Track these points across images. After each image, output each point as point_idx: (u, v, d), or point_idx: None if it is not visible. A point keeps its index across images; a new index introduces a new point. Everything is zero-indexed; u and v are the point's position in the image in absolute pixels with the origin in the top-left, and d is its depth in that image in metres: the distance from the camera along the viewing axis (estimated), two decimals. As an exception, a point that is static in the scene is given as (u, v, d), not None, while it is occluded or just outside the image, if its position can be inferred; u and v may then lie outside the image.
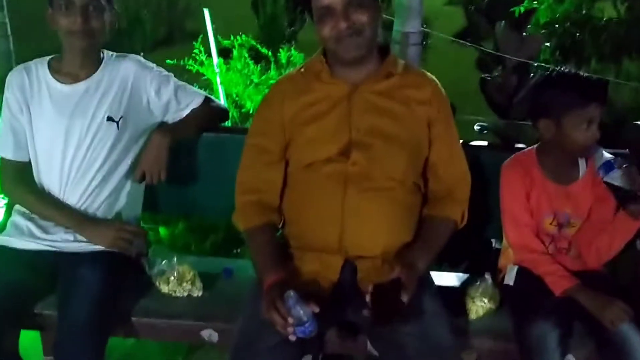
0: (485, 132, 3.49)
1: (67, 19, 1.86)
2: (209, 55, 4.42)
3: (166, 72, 2.08)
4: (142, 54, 2.04)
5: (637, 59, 4.19)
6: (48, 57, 2.00)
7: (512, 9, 4.63)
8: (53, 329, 1.77)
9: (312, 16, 1.77)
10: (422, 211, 1.82)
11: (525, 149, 2.02)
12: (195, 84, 4.49)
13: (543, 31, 4.51)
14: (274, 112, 1.82)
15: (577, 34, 4.44)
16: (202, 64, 4.33)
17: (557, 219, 1.92)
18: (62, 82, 1.95)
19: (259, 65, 4.41)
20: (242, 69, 4.33)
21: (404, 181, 1.77)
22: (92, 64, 1.96)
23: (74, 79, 1.95)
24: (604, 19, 4.66)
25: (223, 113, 2.21)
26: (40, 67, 1.97)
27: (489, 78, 3.76)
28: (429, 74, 1.88)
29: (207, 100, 2.12)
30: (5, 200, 2.62)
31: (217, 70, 4.34)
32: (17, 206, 2.00)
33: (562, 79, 1.88)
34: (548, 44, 4.52)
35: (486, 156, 2.10)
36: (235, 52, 4.35)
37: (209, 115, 2.12)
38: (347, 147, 1.73)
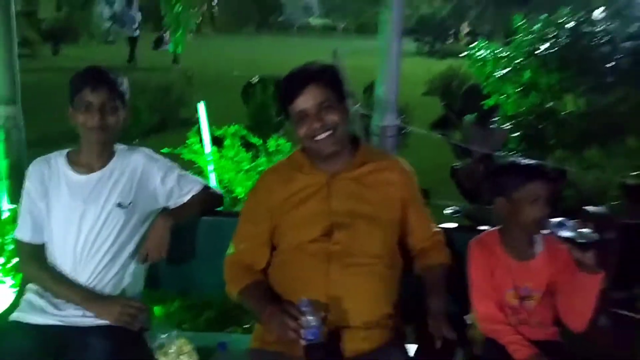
0: (456, 215, 3.76)
1: (86, 117, 2.12)
2: (202, 144, 4.68)
3: (171, 163, 2.33)
4: (136, 140, 2.29)
5: (597, 148, 4.55)
6: (66, 150, 2.25)
7: (481, 103, 5.02)
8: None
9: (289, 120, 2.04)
10: (416, 266, 2.11)
11: (489, 230, 2.26)
12: (190, 170, 4.74)
13: (509, 124, 4.90)
14: (260, 201, 2.08)
15: (541, 126, 4.85)
16: (195, 152, 4.60)
17: (519, 293, 2.13)
18: (78, 172, 2.18)
19: (249, 153, 4.68)
20: (234, 156, 4.59)
21: (382, 257, 2.00)
22: (106, 155, 2.21)
23: (89, 169, 2.19)
24: (566, 111, 5.07)
25: (219, 199, 2.45)
26: (59, 159, 2.21)
27: (457, 167, 4.09)
28: (400, 158, 2.17)
29: (205, 187, 2.37)
30: (14, 282, 2.82)
31: (210, 158, 4.59)
32: (30, 285, 2.19)
33: (512, 164, 2.20)
34: (515, 134, 4.90)
35: (455, 237, 2.34)
36: (227, 141, 4.63)
37: (207, 201, 2.36)
38: (329, 229, 1.97)
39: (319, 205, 2.01)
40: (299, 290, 1.95)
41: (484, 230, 2.29)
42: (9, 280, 2.93)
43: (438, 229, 2.20)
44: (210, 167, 4.58)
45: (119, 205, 2.17)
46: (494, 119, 4.72)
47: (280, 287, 2.02)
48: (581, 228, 1.87)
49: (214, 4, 14.55)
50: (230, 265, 2.08)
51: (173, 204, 2.30)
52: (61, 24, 19.83)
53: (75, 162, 2.21)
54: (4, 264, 2.95)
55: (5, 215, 3.18)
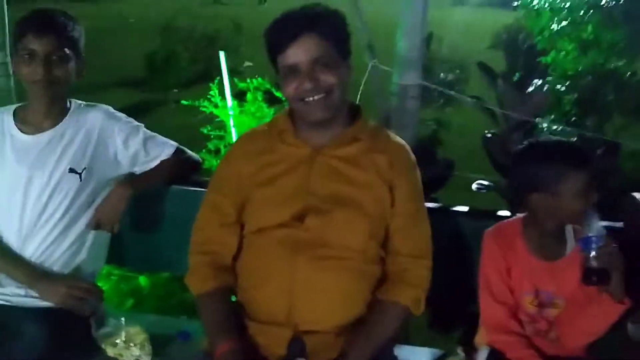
0: (483, 190, 3.33)
1: (29, 68, 1.84)
2: (224, 97, 4.43)
3: (136, 123, 2.04)
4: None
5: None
6: (14, 106, 1.98)
7: (538, 59, 4.49)
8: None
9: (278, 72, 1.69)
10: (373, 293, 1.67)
11: (511, 219, 1.88)
12: (209, 126, 4.51)
13: (562, 85, 4.32)
14: (231, 171, 1.75)
15: (600, 89, 4.24)
16: (216, 106, 4.35)
17: (539, 298, 1.77)
18: (25, 132, 1.92)
19: (272, 108, 4.40)
20: (256, 111, 4.32)
21: (365, 251, 1.65)
22: (56, 114, 1.94)
23: (37, 129, 1.93)
24: (629, 73, 4.45)
25: (195, 165, 2.15)
26: (5, 116, 1.95)
27: (489, 135, 3.62)
28: (397, 137, 1.77)
29: (178, 151, 2.07)
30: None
31: (231, 112, 4.34)
32: None
33: (546, 148, 1.75)
34: (569, 97, 4.34)
35: (466, 223, 1.97)
36: (249, 95, 4.36)
37: (179, 167, 2.07)
38: (301, 213, 1.63)
39: (294, 183, 1.66)
40: (259, 285, 1.64)
41: (502, 217, 1.90)
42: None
43: (425, 252, 1.69)
44: (231, 122, 4.33)
45: (72, 170, 1.91)
46: (538, 79, 4.18)
47: (241, 279, 1.71)
48: (606, 249, 1.59)
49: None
50: (194, 250, 1.76)
51: (139, 169, 2.03)
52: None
53: (22, 121, 1.94)
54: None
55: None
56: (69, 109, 1.97)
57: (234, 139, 4.34)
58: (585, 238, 1.62)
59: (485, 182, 3.28)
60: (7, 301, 1.85)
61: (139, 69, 8.61)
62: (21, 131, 1.92)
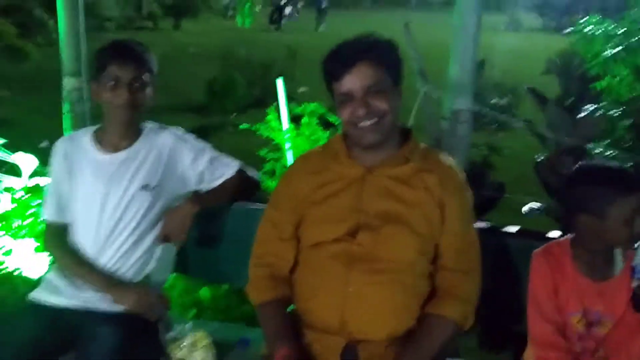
0: (534, 213, 3.34)
1: (114, 93, 2.01)
2: (280, 121, 4.58)
3: (204, 144, 2.18)
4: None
5: None
6: (94, 127, 2.16)
7: (592, 85, 4.48)
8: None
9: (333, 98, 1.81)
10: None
11: (560, 239, 1.92)
12: (266, 148, 4.66)
13: (617, 110, 4.29)
14: (289, 189, 1.86)
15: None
16: (273, 129, 4.50)
17: (587, 318, 1.80)
18: (103, 152, 2.09)
19: (327, 132, 4.51)
20: (310, 135, 4.44)
21: (414, 266, 1.74)
22: (132, 135, 2.10)
23: (114, 148, 2.09)
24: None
25: (255, 185, 2.27)
26: (84, 137, 2.13)
27: (540, 160, 3.63)
28: (449, 157, 1.85)
29: (240, 171, 2.20)
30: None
31: (287, 136, 4.48)
32: (55, 264, 2.15)
33: (597, 171, 1.78)
34: (623, 123, 4.31)
35: (515, 243, 2.02)
36: (304, 119, 4.49)
37: (241, 186, 2.20)
38: (354, 229, 1.73)
39: (348, 202, 1.76)
40: (314, 296, 1.74)
41: (551, 238, 1.95)
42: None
43: (474, 268, 1.78)
44: (288, 145, 4.47)
45: (144, 187, 2.07)
46: (586, 102, 4.18)
47: (297, 290, 1.82)
48: None
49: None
50: (254, 264, 1.89)
51: (204, 187, 2.17)
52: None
53: (101, 141, 2.12)
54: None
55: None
56: (143, 130, 2.13)
57: (290, 161, 4.47)
58: (635, 265, 1.65)
59: (536, 206, 3.30)
60: (84, 305, 2.01)
61: (199, 94, 8.98)
62: (99, 150, 2.10)
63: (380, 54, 1.73)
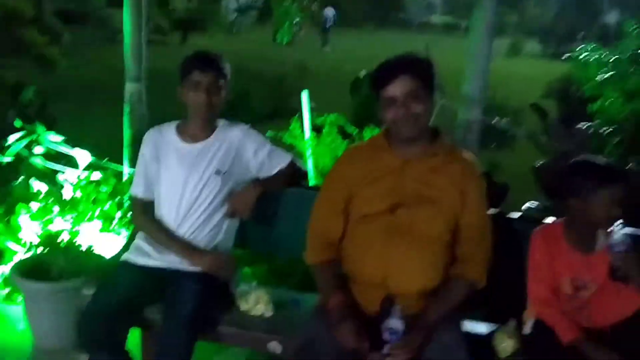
0: (531, 212, 3.79)
1: (195, 95, 2.46)
2: (303, 130, 5.02)
3: (264, 138, 2.62)
4: (249, 125, 2.62)
5: None
6: (175, 122, 2.61)
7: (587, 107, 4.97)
8: (156, 329, 2.31)
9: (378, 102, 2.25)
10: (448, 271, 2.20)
11: (554, 221, 2.35)
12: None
13: (609, 127, 4.82)
14: (340, 174, 2.31)
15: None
16: (295, 137, 4.94)
17: (575, 283, 2.23)
18: (185, 142, 2.54)
19: (345, 141, 4.95)
20: (330, 143, 4.89)
21: (441, 237, 2.18)
22: (209, 129, 2.55)
23: (194, 139, 2.53)
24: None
25: (303, 175, 2.73)
26: (169, 129, 2.58)
27: (539, 165, 4.13)
28: (469, 153, 2.31)
29: (292, 163, 2.64)
30: (128, 233, 3.27)
31: (308, 144, 4.92)
32: (140, 232, 2.59)
33: (589, 165, 2.20)
34: (615, 139, 4.83)
35: (518, 226, 2.48)
36: (325, 129, 4.93)
37: (292, 175, 2.64)
38: (394, 206, 2.18)
39: (390, 184, 2.20)
40: (361, 257, 2.18)
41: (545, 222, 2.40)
42: (124, 232, 3.40)
43: (486, 239, 2.22)
44: (308, 152, 4.91)
45: (217, 172, 2.49)
46: (581, 120, 4.71)
47: (346, 254, 2.26)
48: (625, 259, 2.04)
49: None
50: (311, 232, 2.32)
51: (263, 175, 2.59)
52: (191, 14, 21.02)
53: (183, 133, 2.56)
54: (122, 218, 3.42)
55: (126, 177, 3.66)
56: (217, 125, 2.58)
57: (310, 167, 4.91)
58: (611, 243, 2.08)
59: (534, 205, 3.77)
60: (167, 265, 2.44)
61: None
62: (182, 141, 2.54)
63: (418, 68, 2.16)
